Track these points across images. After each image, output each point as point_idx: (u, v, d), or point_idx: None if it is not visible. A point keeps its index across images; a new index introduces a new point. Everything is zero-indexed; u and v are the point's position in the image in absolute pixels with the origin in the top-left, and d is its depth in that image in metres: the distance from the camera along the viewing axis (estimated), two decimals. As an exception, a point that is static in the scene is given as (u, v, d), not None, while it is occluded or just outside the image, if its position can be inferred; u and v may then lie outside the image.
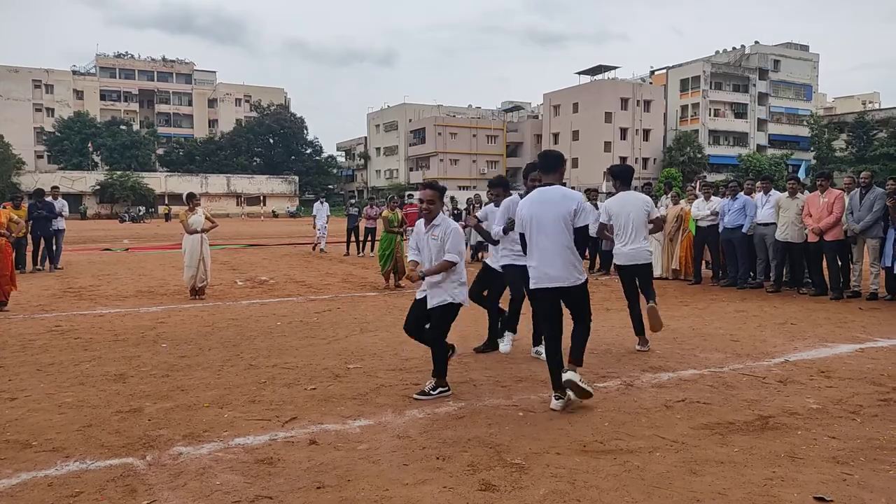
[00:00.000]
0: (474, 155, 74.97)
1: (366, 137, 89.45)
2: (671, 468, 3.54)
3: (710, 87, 69.37)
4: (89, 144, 68.64)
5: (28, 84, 79.52)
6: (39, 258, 14.13)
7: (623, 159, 66.40)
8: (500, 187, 6.44)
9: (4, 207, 11.00)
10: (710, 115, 69.56)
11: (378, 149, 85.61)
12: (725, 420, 4.32)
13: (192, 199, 10.30)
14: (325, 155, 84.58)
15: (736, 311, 8.62)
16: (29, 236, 13.74)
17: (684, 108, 70.68)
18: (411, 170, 78.58)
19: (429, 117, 76.82)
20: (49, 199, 14.41)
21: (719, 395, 4.90)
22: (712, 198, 11.39)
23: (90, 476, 3.47)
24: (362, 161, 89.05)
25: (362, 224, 18.34)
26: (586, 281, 4.75)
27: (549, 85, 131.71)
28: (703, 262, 11.88)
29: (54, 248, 14.33)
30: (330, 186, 78.39)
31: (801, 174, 29.52)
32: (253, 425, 4.26)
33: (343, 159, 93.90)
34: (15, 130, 69.19)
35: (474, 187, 53.96)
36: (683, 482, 3.37)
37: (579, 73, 70.13)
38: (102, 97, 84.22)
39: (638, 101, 67.30)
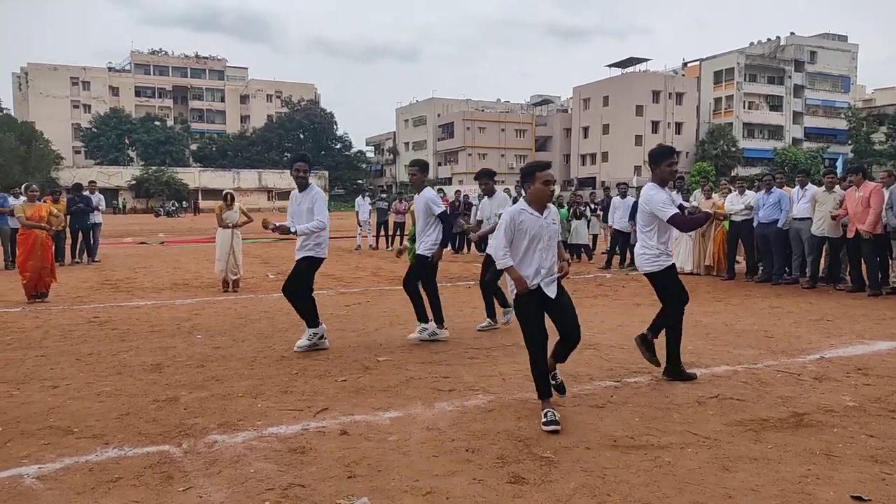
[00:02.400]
0: (503, 149, 74.67)
1: (394, 132, 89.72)
2: (703, 464, 3.51)
3: (745, 80, 68.00)
4: (126, 139, 70.10)
5: (66, 81, 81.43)
6: (77, 251, 14.50)
7: (654, 153, 65.54)
8: (486, 178, 7.27)
9: (44, 202, 11.30)
10: (744, 107, 68.21)
11: (407, 143, 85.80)
12: (759, 417, 4.26)
13: (226, 199, 10.51)
14: (354, 150, 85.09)
15: (770, 308, 8.47)
16: (67, 230, 14.10)
17: (718, 100, 69.42)
18: (440, 164, 78.59)
19: (457, 112, 76.70)
20: (86, 193, 14.77)
21: (753, 391, 4.83)
22: (746, 192, 11.20)
23: (128, 462, 3.56)
24: (391, 156, 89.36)
25: (391, 218, 18.46)
26: None
27: (574, 79, 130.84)
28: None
29: (92, 241, 14.68)
30: (359, 181, 78.89)
31: (839, 168, 28.81)
32: (285, 415, 4.33)
33: (372, 154, 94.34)
34: (53, 126, 70.96)
35: (503, 181, 53.82)
36: (716, 478, 3.33)
37: (610, 66, 69.37)
38: (137, 93, 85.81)
39: (670, 94, 66.33)
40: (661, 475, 3.37)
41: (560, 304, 4.35)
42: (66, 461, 3.58)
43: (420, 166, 6.61)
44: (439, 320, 6.52)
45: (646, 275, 5.17)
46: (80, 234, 14.46)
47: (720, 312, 8.16)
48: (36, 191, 10.14)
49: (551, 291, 4.33)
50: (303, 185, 6.17)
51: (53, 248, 10.05)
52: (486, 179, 7.28)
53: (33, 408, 4.48)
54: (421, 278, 6.50)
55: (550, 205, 4.47)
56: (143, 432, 4.01)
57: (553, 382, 4.48)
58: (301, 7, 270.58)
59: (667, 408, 4.45)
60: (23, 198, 10.74)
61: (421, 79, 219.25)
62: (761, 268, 11.10)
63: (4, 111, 65.96)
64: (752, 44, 73.27)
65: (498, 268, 4.46)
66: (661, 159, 5.08)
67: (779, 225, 10.37)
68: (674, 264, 5.25)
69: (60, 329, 7.22)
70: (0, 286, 10.64)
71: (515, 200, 17.18)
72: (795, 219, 10.24)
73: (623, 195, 13.42)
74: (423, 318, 6.48)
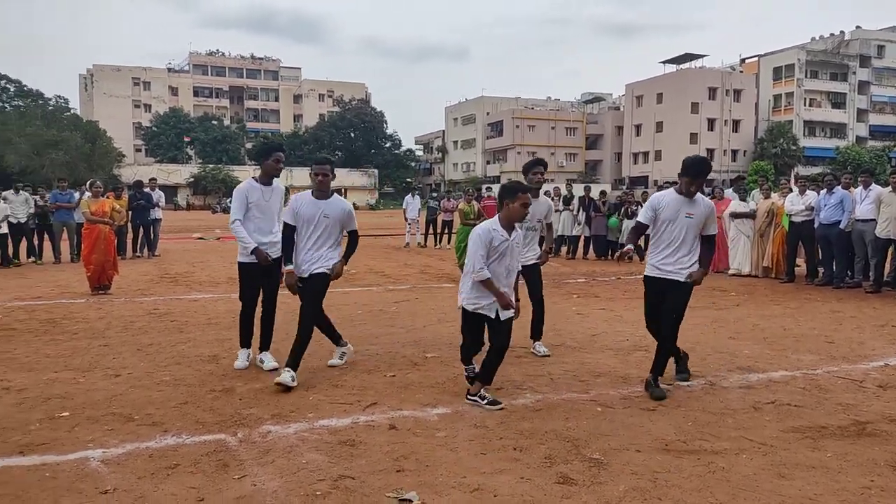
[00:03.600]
0: (553, 147, 73.98)
1: (443, 131, 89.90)
2: (758, 471, 3.42)
3: (806, 76, 65.65)
4: (185, 138, 72.41)
5: (128, 82, 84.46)
6: (139, 245, 15.03)
7: (710, 151, 64.07)
8: (541, 167, 5.89)
9: (107, 198, 11.75)
10: (805, 104, 65.86)
11: (455, 142, 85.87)
12: (818, 424, 4.12)
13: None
14: (403, 148, 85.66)
15: (831, 312, 8.17)
16: (129, 225, 14.64)
17: (777, 97, 67.22)
18: (488, 163, 78.41)
19: (506, 110, 76.35)
20: (147, 190, 15.29)
21: (812, 398, 4.67)
22: (807, 192, 10.82)
23: (186, 450, 3.68)
24: (440, 154, 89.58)
25: (440, 216, 18.59)
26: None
27: (627, 76, 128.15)
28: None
29: (152, 236, 15.20)
30: (408, 180, 79.44)
31: (907, 167, 27.53)
32: (336, 408, 4.40)
33: (421, 153, 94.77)
34: (116, 125, 73.61)
35: (552, 180, 53.33)
36: (771, 486, 3.24)
37: (664, 62, 68.01)
38: (195, 93, 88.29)
39: (727, 91, 64.50)
40: (715, 481, 3.30)
41: (500, 321, 4.45)
42: (128, 447, 3.73)
43: (331, 164, 5.41)
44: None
45: None
46: (141, 229, 14.98)
47: (778, 316, 7.91)
48: (100, 187, 10.55)
49: (502, 314, 4.46)
50: (273, 179, 5.49)
51: (116, 242, 10.44)
52: (541, 168, 5.83)
53: (97, 395, 4.68)
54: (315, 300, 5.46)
55: (517, 225, 4.58)
56: (201, 421, 4.14)
57: (466, 375, 4.76)
58: (353, 8, 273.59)
59: (721, 413, 4.35)
60: (87, 193, 11.19)
61: (470, 78, 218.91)
62: (822, 271, 10.71)
63: (72, 111, 68.96)
64: (813, 39, 70.70)
65: (476, 279, 4.42)
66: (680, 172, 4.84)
67: (841, 226, 9.98)
68: (649, 277, 4.88)
69: (122, 320, 7.51)
70: (66, 278, 11.13)
71: (567, 200, 16.66)
72: (858, 220, 9.84)
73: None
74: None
